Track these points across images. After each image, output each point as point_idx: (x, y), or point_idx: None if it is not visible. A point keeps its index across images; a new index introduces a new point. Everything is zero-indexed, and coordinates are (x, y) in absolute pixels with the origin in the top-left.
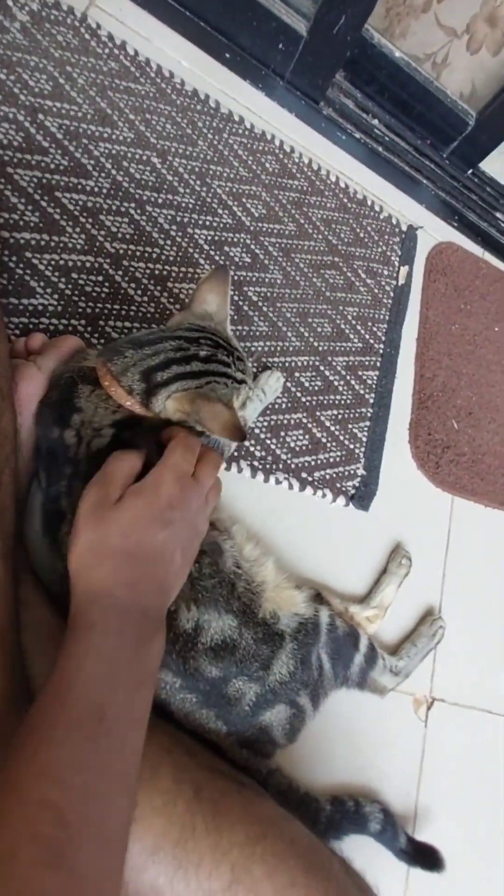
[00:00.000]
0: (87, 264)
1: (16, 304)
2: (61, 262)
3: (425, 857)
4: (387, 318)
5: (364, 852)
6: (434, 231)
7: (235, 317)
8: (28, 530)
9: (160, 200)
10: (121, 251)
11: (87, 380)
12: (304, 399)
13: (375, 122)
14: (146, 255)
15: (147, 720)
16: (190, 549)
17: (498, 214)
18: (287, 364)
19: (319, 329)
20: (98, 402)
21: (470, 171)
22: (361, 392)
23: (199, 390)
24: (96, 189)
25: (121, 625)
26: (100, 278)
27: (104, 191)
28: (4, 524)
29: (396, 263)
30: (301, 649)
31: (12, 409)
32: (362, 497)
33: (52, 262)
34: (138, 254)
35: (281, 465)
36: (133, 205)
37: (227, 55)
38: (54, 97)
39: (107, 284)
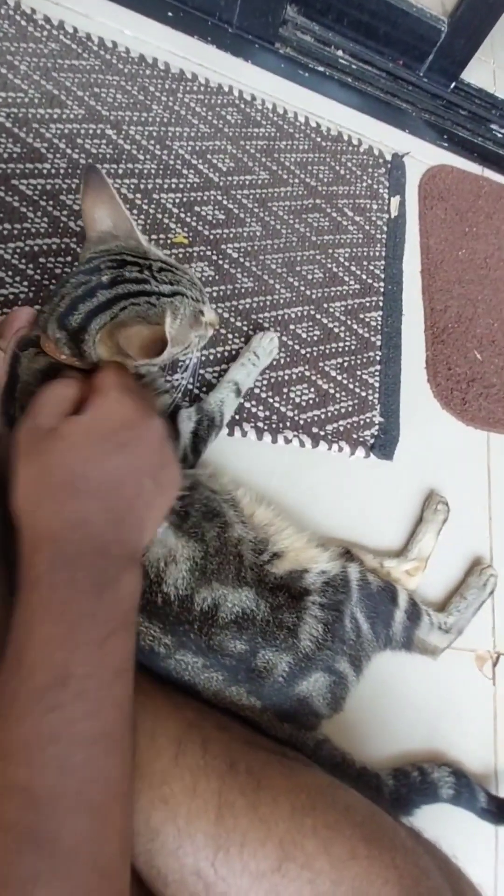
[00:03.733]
0: (54, 246)
1: None
2: (27, 249)
3: None
4: (383, 254)
5: (442, 820)
6: (423, 156)
7: (217, 276)
8: None
9: (121, 171)
10: None
11: (31, 344)
12: (303, 351)
13: (339, 52)
14: None
15: (131, 667)
16: (163, 476)
17: (493, 126)
18: (279, 317)
19: (310, 276)
20: (29, 365)
21: (452, 86)
22: (366, 335)
23: (115, 321)
24: (53, 171)
25: (72, 572)
26: (68, 259)
27: (61, 171)
28: None
29: (385, 195)
30: (330, 610)
31: None
32: (383, 445)
33: (18, 250)
34: None
35: (288, 423)
36: None
37: (170, 13)
38: None
39: (76, 264)
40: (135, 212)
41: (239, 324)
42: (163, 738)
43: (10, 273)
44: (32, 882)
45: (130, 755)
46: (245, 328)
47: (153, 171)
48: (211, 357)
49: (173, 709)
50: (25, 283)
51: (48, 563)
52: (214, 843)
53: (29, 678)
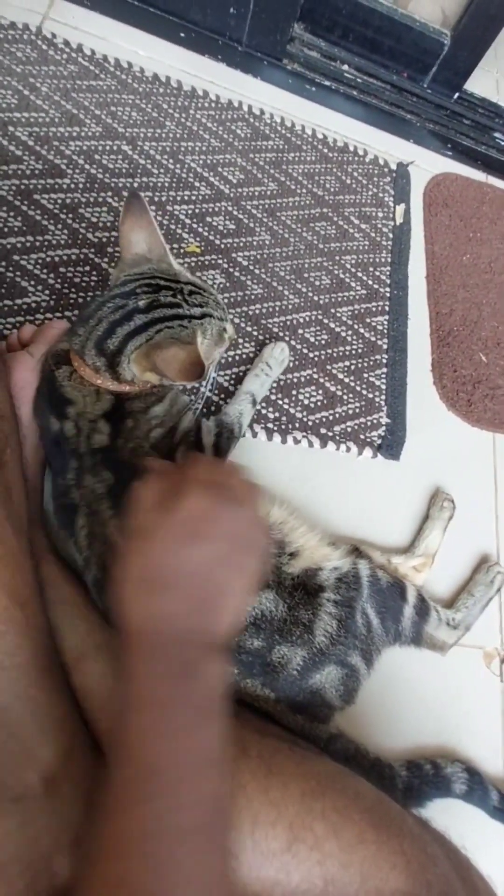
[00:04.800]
0: (73, 257)
1: (10, 305)
2: (48, 259)
3: None
4: (389, 260)
5: (453, 813)
6: (428, 164)
7: (228, 284)
8: (48, 512)
9: (136, 185)
10: (104, 239)
11: (63, 361)
12: (311, 355)
13: (345, 67)
14: None
15: (224, 759)
16: (238, 562)
17: (496, 134)
18: (288, 322)
19: (317, 282)
20: (81, 389)
21: (456, 96)
22: (373, 339)
23: (150, 342)
24: (72, 185)
25: (156, 664)
26: (87, 268)
27: (80, 186)
28: (14, 502)
29: (391, 204)
30: (343, 606)
31: (7, 392)
32: (390, 446)
33: (40, 261)
34: None
35: (297, 424)
36: (110, 193)
37: (182, 34)
38: (21, 108)
39: (94, 273)
40: None
41: (249, 329)
42: None
43: (32, 283)
44: None
45: (225, 851)
46: (255, 333)
47: (167, 184)
48: (223, 361)
49: None
50: (47, 292)
51: (137, 657)
52: None
53: (125, 769)
